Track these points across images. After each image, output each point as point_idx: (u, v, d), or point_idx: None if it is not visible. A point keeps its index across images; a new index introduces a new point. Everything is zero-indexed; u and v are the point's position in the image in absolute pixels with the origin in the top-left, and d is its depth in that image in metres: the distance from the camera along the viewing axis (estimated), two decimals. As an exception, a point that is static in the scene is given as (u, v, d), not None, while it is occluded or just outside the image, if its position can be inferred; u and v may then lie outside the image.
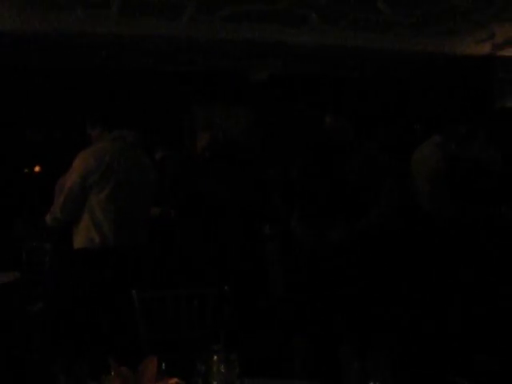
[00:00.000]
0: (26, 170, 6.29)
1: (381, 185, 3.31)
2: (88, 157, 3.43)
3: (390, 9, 5.07)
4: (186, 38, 5.52)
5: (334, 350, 1.91)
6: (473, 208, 3.88)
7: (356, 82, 6.79)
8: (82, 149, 3.52)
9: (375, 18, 5.30)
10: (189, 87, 6.60)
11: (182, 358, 2.17)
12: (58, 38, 5.24)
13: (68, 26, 4.91)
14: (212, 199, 3.95)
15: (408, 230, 3.99)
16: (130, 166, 3.49)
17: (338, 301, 3.22)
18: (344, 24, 5.48)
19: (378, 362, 1.27)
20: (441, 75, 6.46)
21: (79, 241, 3.45)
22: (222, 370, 1.34)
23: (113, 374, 1.39)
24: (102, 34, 5.18)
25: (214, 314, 2.64)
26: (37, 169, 6.30)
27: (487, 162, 4.00)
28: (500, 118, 6.04)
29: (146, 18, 5.10)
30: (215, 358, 1.36)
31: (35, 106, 5.92)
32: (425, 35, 5.66)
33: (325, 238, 3.29)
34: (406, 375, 1.55)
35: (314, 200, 3.37)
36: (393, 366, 1.33)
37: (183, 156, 4.51)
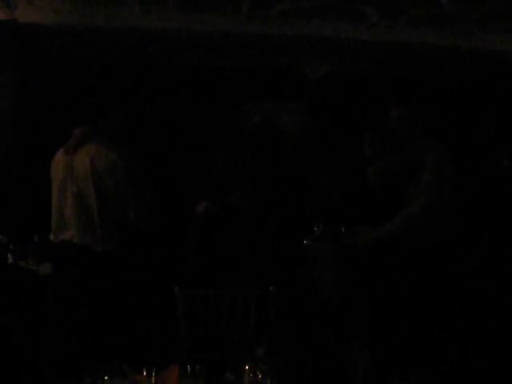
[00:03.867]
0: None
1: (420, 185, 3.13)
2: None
3: (454, 4, 4.87)
4: (243, 33, 5.45)
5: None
6: None
7: (416, 81, 6.57)
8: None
9: (437, 14, 5.10)
10: (244, 83, 6.54)
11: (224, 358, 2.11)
12: (114, 33, 5.26)
13: (125, 21, 4.93)
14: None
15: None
16: (65, 170, 3.52)
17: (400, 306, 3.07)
18: (404, 20, 5.30)
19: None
20: (508, 74, 6.18)
21: None
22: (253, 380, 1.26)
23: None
24: (158, 29, 5.17)
25: (258, 316, 2.57)
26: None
27: None
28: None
29: (202, 13, 5.07)
30: (247, 367, 1.29)
31: (86, 100, 5.96)
32: (490, 32, 5.41)
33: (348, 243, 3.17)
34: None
35: (347, 202, 3.26)
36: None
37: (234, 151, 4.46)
